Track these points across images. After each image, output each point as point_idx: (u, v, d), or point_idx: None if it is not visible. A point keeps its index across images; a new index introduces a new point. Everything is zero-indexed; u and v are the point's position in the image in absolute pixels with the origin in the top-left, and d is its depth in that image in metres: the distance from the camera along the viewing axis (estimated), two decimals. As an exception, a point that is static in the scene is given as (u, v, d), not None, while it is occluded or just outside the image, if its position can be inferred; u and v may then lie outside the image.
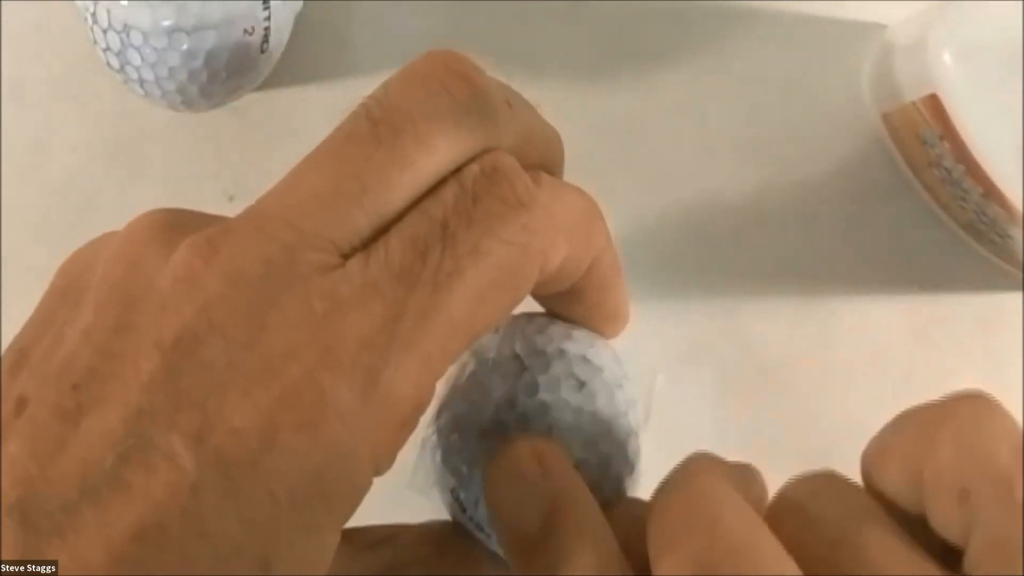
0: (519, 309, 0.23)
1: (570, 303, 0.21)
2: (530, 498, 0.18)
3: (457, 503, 0.20)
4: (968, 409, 0.17)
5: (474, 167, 0.17)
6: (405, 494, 0.21)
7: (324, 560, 0.15)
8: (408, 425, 0.16)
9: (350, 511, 0.16)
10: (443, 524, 0.21)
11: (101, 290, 0.16)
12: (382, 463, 0.16)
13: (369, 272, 0.16)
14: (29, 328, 0.17)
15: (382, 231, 0.16)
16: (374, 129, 0.17)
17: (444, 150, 0.17)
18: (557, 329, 0.21)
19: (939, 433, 0.16)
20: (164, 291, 0.16)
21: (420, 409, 0.16)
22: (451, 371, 0.21)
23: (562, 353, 0.20)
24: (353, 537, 0.19)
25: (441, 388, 0.21)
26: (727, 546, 0.15)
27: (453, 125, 0.17)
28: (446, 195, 0.17)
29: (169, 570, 0.14)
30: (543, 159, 0.19)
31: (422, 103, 0.17)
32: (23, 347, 0.17)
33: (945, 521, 0.16)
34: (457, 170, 0.17)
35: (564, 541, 0.17)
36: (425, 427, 0.21)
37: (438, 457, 0.20)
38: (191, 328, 0.15)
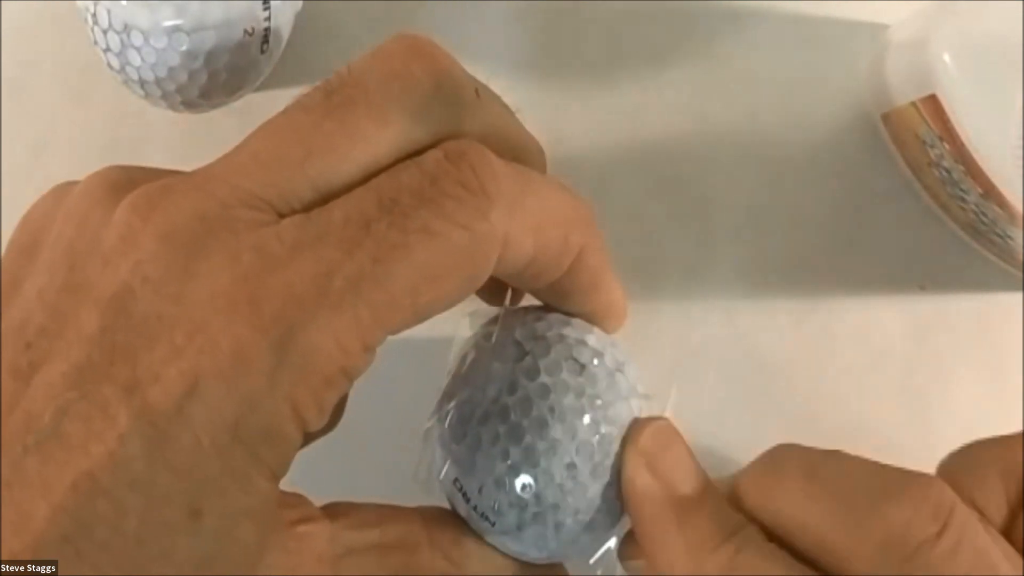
0: (524, 302, 0.23)
1: (558, 299, 0.21)
2: (688, 464, 0.19)
3: (460, 493, 0.20)
4: None
5: (436, 151, 0.17)
6: (409, 489, 0.21)
7: (258, 508, 0.16)
8: (332, 385, 0.16)
9: (280, 461, 0.16)
10: (438, 510, 0.21)
11: (54, 250, 0.17)
12: (308, 418, 0.16)
13: (305, 232, 0.16)
14: None
15: (328, 200, 0.16)
16: (327, 100, 0.17)
17: (399, 125, 0.17)
18: (556, 317, 0.21)
19: None
20: (106, 249, 0.16)
21: (347, 372, 0.16)
22: (452, 363, 0.21)
23: (562, 338, 0.20)
24: (341, 514, 0.19)
25: (443, 381, 0.21)
26: None
27: (410, 101, 0.17)
28: (401, 174, 0.17)
29: (104, 519, 0.14)
30: (516, 160, 0.19)
31: (380, 79, 0.17)
32: None
33: None
34: (418, 153, 0.17)
35: (728, 508, 0.19)
36: (427, 418, 0.21)
37: (440, 446, 0.20)
38: (127, 284, 0.15)
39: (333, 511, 0.19)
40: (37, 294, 0.16)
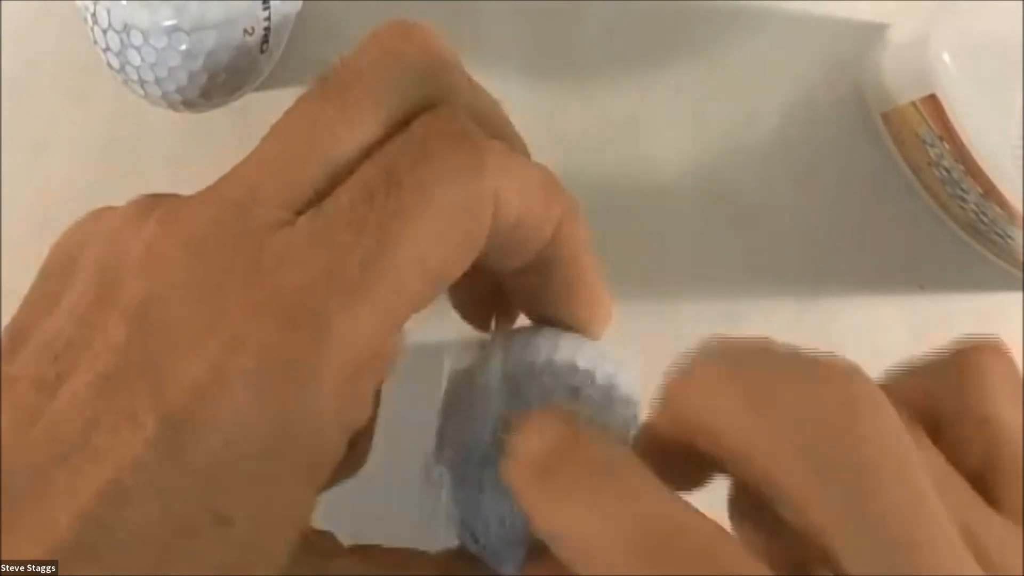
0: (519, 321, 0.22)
1: (544, 282, 0.20)
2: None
3: (468, 533, 0.20)
4: (981, 356, 0.19)
5: (425, 115, 0.17)
6: (415, 528, 0.20)
7: (293, 516, 0.16)
8: (366, 373, 0.16)
9: (316, 462, 0.16)
10: (456, 552, 0.21)
11: (87, 268, 0.17)
12: (346, 412, 0.16)
13: (317, 224, 0.16)
14: (25, 309, 0.18)
15: (338, 183, 0.17)
16: (324, 86, 0.17)
17: (393, 101, 0.17)
18: (543, 341, 0.21)
19: (961, 375, 0.19)
20: (133, 261, 0.16)
21: (380, 356, 0.16)
22: (443, 401, 0.21)
23: (551, 364, 0.20)
24: (363, 556, 0.19)
25: (436, 420, 0.21)
26: None
27: (403, 78, 0.18)
28: (394, 142, 0.17)
29: (129, 526, 0.14)
30: None
31: (374, 62, 0.18)
32: (21, 327, 0.17)
33: (963, 445, 0.17)
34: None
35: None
36: (426, 461, 0.21)
37: (443, 490, 0.20)
38: (152, 292, 0.16)
39: (357, 552, 0.19)
40: (69, 310, 0.17)
